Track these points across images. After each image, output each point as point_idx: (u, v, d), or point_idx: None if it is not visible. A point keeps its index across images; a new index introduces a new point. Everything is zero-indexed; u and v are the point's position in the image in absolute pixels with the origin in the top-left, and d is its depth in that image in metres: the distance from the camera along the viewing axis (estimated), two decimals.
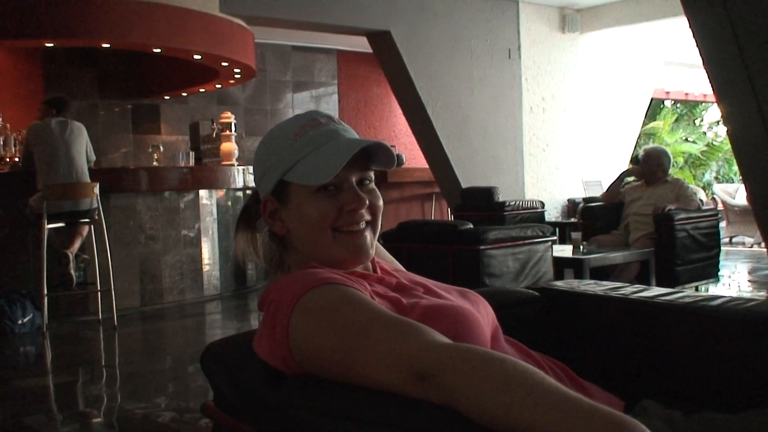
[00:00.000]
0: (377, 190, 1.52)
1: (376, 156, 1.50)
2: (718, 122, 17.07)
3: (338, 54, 12.75)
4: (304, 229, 1.48)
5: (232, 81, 9.47)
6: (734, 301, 1.74)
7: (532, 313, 1.97)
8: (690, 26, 7.47)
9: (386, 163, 1.50)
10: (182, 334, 6.59)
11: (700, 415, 1.53)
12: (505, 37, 10.41)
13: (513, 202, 8.63)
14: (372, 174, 1.52)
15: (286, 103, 12.51)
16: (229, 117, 9.15)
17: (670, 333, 1.79)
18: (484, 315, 1.50)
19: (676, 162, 16.48)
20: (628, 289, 1.92)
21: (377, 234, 1.53)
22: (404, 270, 1.69)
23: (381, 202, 1.52)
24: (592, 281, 2.11)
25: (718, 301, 1.74)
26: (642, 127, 14.60)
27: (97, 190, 6.41)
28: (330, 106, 12.76)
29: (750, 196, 8.19)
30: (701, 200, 6.93)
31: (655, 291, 1.89)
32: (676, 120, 17.40)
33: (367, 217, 1.49)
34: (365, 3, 8.99)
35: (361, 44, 10.09)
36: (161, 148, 9.00)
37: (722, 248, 9.79)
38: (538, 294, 2.00)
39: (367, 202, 1.48)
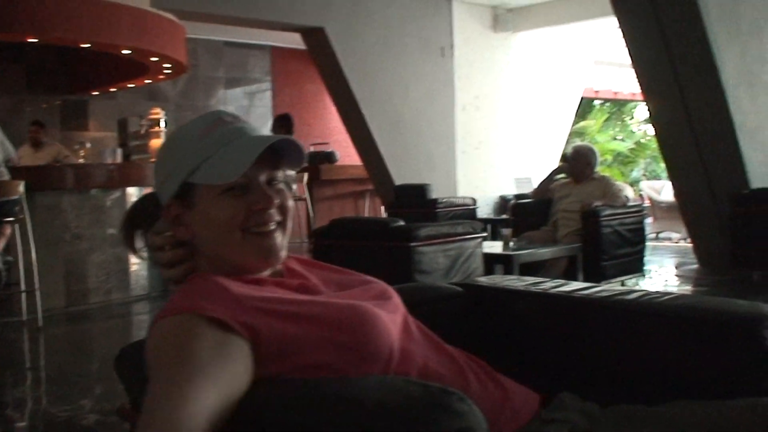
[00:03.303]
0: (287, 190, 1.48)
1: (286, 154, 1.46)
2: (646, 121, 17.45)
3: (272, 50, 12.69)
4: (212, 233, 1.42)
5: (162, 76, 9.34)
6: (649, 296, 1.77)
7: (456, 308, 1.97)
8: (619, 27, 7.63)
9: (296, 161, 1.46)
10: (108, 335, 6.46)
11: (616, 407, 1.56)
12: (438, 36, 10.47)
13: (445, 199, 8.68)
14: (281, 174, 1.47)
15: (218, 100, 12.40)
16: (158, 113, 9.03)
17: (588, 327, 1.81)
18: (391, 311, 1.48)
19: (606, 159, 16.81)
20: (548, 284, 1.95)
21: (288, 235, 1.48)
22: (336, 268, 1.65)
23: (291, 203, 1.47)
24: (515, 277, 2.13)
25: (634, 296, 1.77)
26: (573, 125, 14.84)
27: (22, 188, 6.25)
28: (263, 102, 12.70)
29: (676, 192, 8.40)
30: (627, 197, 7.06)
31: (573, 286, 1.91)
32: (607, 119, 17.74)
33: (277, 217, 1.45)
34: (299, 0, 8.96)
35: (295, 40, 10.06)
36: (88, 144, 8.82)
37: (649, 243, 10.00)
38: (461, 290, 2.01)
39: (277, 201, 1.44)
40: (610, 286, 1.87)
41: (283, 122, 9.34)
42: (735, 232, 7.25)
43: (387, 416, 1.08)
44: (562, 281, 1.98)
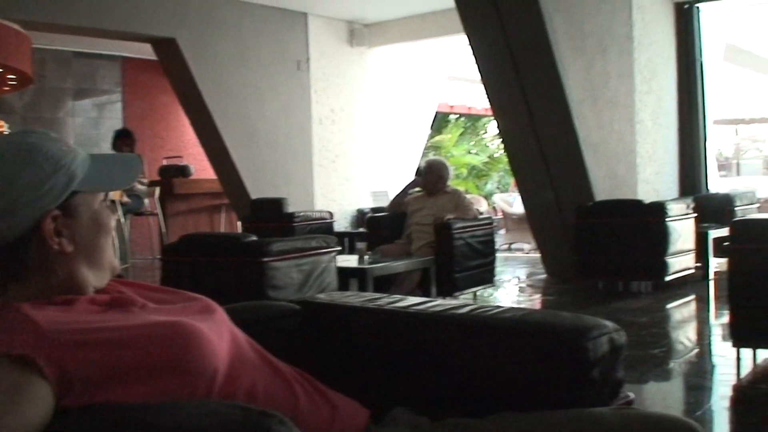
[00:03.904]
0: None
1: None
2: (498, 135, 17.96)
3: (123, 61, 12.33)
4: (99, 240, 1.43)
5: (7, 88, 8.90)
6: (480, 309, 1.80)
7: (292, 325, 1.95)
8: (469, 44, 7.83)
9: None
10: None
11: (446, 421, 1.58)
12: (294, 49, 10.45)
13: (302, 213, 8.67)
14: None
15: (66, 111, 11.94)
16: (2, 126, 8.61)
17: (422, 341, 1.82)
18: (216, 328, 1.44)
19: (462, 173, 17.19)
20: (384, 300, 1.95)
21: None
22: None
23: None
24: (354, 293, 2.13)
25: (465, 309, 1.80)
26: (429, 139, 15.12)
27: None
28: (113, 114, 12.32)
29: (525, 205, 8.68)
30: (478, 210, 7.24)
31: (409, 301, 1.93)
32: (462, 133, 18.16)
33: None
34: (149, 9, 8.74)
35: (147, 51, 9.81)
36: None
37: (501, 254, 10.28)
38: (298, 307, 1.99)
39: None
40: (442, 301, 1.89)
41: (127, 139, 9.10)
42: (580, 244, 7.55)
43: None
44: (399, 297, 1.99)
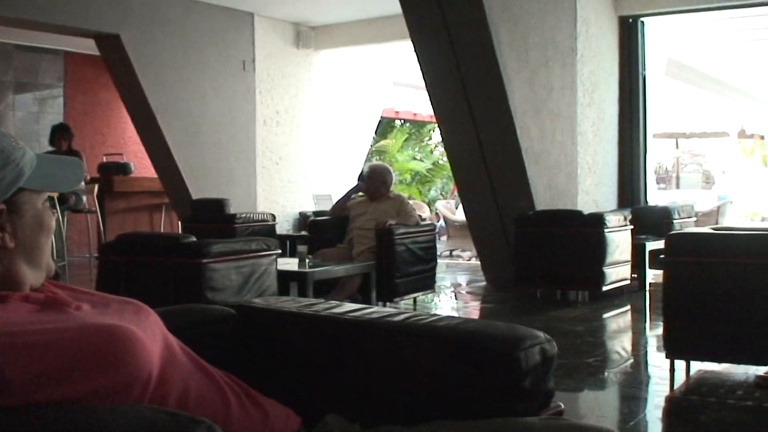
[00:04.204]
0: None
1: None
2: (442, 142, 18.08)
3: (66, 55, 12.10)
4: (40, 239, 1.43)
5: None
6: (416, 317, 1.80)
7: (227, 330, 1.93)
8: (415, 51, 7.86)
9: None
10: None
11: (379, 428, 1.58)
12: (240, 49, 10.38)
13: (244, 215, 8.60)
14: None
15: (6, 105, 11.68)
16: None
17: (357, 348, 1.82)
18: (150, 332, 1.42)
19: (405, 179, 17.26)
20: (320, 306, 1.94)
21: None
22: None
23: None
24: (290, 298, 2.12)
25: (400, 317, 1.80)
26: (373, 144, 15.15)
27: None
28: (55, 109, 12.08)
29: (466, 213, 8.74)
30: (420, 216, 7.26)
31: (345, 308, 1.92)
32: (406, 139, 18.23)
33: None
34: (94, 4, 8.60)
35: (90, 46, 9.65)
36: None
37: (443, 261, 10.33)
38: (233, 311, 1.97)
39: None
40: (378, 308, 1.89)
41: (65, 134, 8.94)
42: (519, 252, 7.62)
43: None
44: (336, 303, 1.98)
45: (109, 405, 1.24)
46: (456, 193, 14.23)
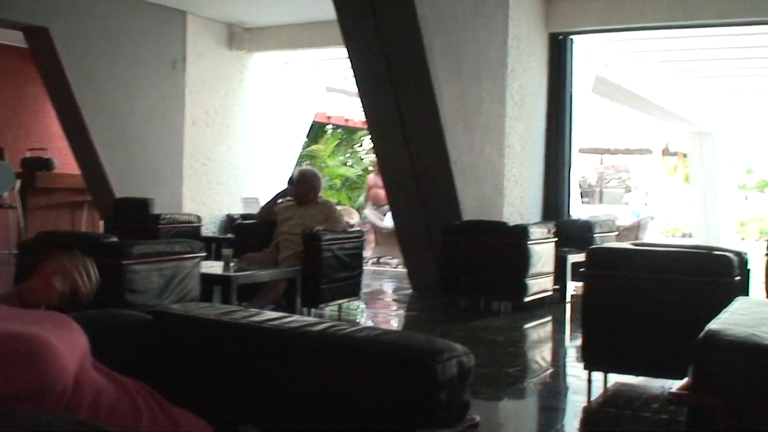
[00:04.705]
0: None
1: None
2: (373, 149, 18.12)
3: None
4: None
5: None
6: (335, 327, 1.80)
7: (144, 336, 1.90)
8: (349, 58, 7.87)
9: None
10: None
11: None
12: (171, 48, 10.25)
13: (169, 216, 8.49)
14: None
15: None
16: None
17: (275, 358, 1.81)
18: (69, 344, 1.40)
19: (335, 184, 17.24)
20: (239, 314, 1.93)
21: None
22: None
23: None
24: (209, 305, 2.09)
25: (320, 327, 1.79)
26: (304, 148, 15.08)
27: None
28: None
29: (395, 220, 8.78)
30: (348, 222, 7.26)
31: (264, 316, 1.91)
32: (337, 144, 18.22)
33: None
34: None
35: (18, 38, 9.41)
36: None
37: (370, 267, 10.34)
38: (150, 317, 1.94)
39: None
40: (299, 318, 1.88)
41: None
42: (445, 261, 7.68)
43: None
44: (255, 311, 1.97)
45: (20, 410, 1.21)
46: (370, 201, 14.29)
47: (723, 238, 18.38)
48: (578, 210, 11.02)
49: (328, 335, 1.76)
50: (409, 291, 8.83)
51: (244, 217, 9.22)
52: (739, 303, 2.61)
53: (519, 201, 9.09)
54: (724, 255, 4.42)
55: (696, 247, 6.81)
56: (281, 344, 1.80)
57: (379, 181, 12.55)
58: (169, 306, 2.02)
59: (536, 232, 7.51)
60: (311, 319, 1.87)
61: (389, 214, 12.14)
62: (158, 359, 1.88)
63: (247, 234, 7.29)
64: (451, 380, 1.64)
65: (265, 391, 1.79)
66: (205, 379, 1.85)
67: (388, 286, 9.92)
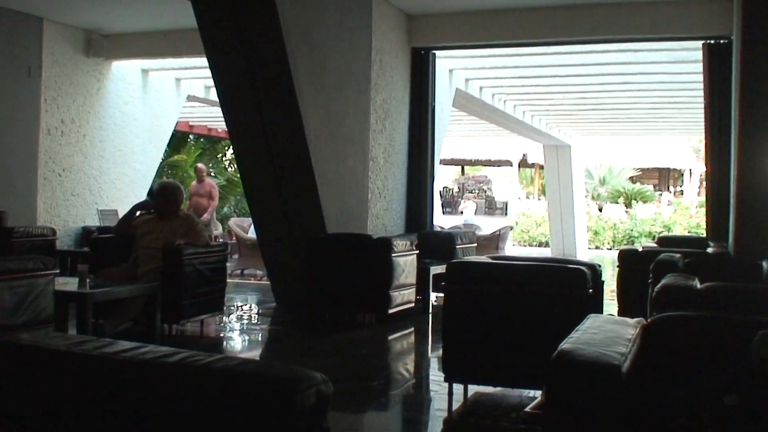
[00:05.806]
0: None
1: None
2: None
3: None
4: None
5: None
6: (193, 357, 1.77)
7: None
8: (210, 67, 7.76)
9: None
10: None
11: None
12: (26, 54, 9.87)
13: (22, 229, 8.15)
14: None
15: None
16: None
17: (131, 390, 1.76)
18: None
19: None
20: (92, 344, 1.87)
21: None
22: None
23: None
24: (60, 334, 2.02)
25: (177, 357, 1.76)
26: (166, 158, 14.78)
27: None
28: None
29: (258, 233, 8.70)
30: (211, 236, 7.15)
31: (119, 347, 1.85)
32: (200, 154, 17.93)
33: None
34: None
35: None
36: None
37: (234, 280, 10.21)
38: None
39: None
40: (154, 347, 1.84)
41: None
42: (310, 275, 7.68)
43: None
44: (109, 341, 1.91)
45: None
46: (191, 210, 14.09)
47: (578, 247, 19.18)
48: (441, 221, 11.23)
49: (186, 366, 1.73)
50: (274, 304, 8.75)
51: (102, 230, 8.95)
52: (591, 321, 2.72)
53: (383, 213, 9.19)
54: (578, 268, 4.61)
55: (551, 260, 7.06)
56: (136, 376, 1.76)
57: (201, 190, 12.44)
58: (18, 336, 1.94)
59: (399, 244, 7.61)
60: (168, 350, 1.83)
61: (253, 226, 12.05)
62: (4, 392, 1.80)
63: (105, 248, 7.08)
64: (310, 409, 1.65)
65: (119, 425, 1.74)
66: (57, 413, 1.79)
67: (252, 300, 9.82)
